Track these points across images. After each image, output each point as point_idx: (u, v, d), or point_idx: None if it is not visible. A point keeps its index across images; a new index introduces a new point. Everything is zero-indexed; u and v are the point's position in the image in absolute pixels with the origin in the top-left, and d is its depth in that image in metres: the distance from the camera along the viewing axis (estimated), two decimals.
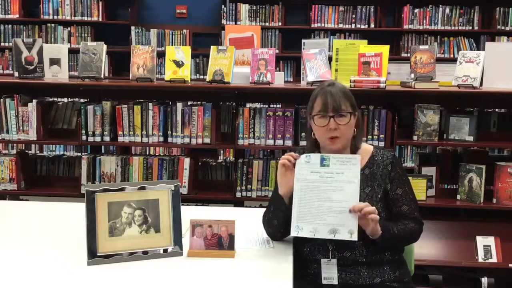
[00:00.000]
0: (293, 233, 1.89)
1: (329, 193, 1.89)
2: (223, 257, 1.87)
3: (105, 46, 3.49)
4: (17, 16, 6.39)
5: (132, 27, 6.39)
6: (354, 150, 2.05)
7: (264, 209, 2.14)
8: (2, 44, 6.48)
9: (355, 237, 1.86)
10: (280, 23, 6.44)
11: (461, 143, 3.40)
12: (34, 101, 3.48)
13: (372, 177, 2.03)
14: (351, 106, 1.99)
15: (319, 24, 6.40)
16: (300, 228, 1.89)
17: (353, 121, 2.00)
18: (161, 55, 5.76)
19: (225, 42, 3.72)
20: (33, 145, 5.16)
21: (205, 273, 1.77)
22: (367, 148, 2.10)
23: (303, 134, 3.39)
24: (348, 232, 1.86)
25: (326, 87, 2.01)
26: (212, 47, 3.43)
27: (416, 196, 2.11)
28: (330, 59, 3.41)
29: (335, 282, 1.95)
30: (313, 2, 6.40)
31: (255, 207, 3.38)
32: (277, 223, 2.01)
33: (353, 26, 6.41)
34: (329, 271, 1.96)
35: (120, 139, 3.48)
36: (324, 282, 1.96)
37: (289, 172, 1.95)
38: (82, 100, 3.77)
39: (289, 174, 1.95)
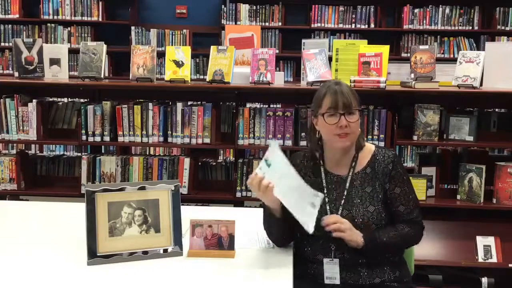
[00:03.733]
0: (311, 231, 1.87)
1: (294, 184, 1.89)
2: (223, 257, 1.87)
3: (105, 46, 3.49)
4: (17, 16, 6.38)
5: (132, 27, 6.38)
6: (358, 147, 2.06)
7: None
8: (2, 44, 6.47)
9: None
10: (280, 23, 6.43)
11: (461, 143, 3.41)
12: (34, 101, 3.48)
13: (373, 176, 2.03)
14: (358, 104, 2.01)
15: (319, 24, 6.40)
16: (308, 224, 1.87)
17: (360, 119, 2.02)
18: (161, 55, 5.75)
19: (225, 42, 3.71)
20: (33, 145, 5.15)
21: (205, 273, 1.77)
22: (368, 147, 2.11)
23: (303, 134, 3.38)
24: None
25: (333, 85, 2.02)
26: (212, 47, 3.43)
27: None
28: (330, 59, 3.41)
29: (337, 282, 1.95)
30: (313, 2, 6.39)
31: (255, 207, 3.37)
32: (276, 231, 2.01)
33: (353, 26, 6.41)
34: (332, 271, 1.96)
35: (120, 139, 3.48)
36: (326, 281, 1.96)
37: (263, 187, 1.85)
38: (82, 100, 3.77)
39: (264, 189, 1.85)
